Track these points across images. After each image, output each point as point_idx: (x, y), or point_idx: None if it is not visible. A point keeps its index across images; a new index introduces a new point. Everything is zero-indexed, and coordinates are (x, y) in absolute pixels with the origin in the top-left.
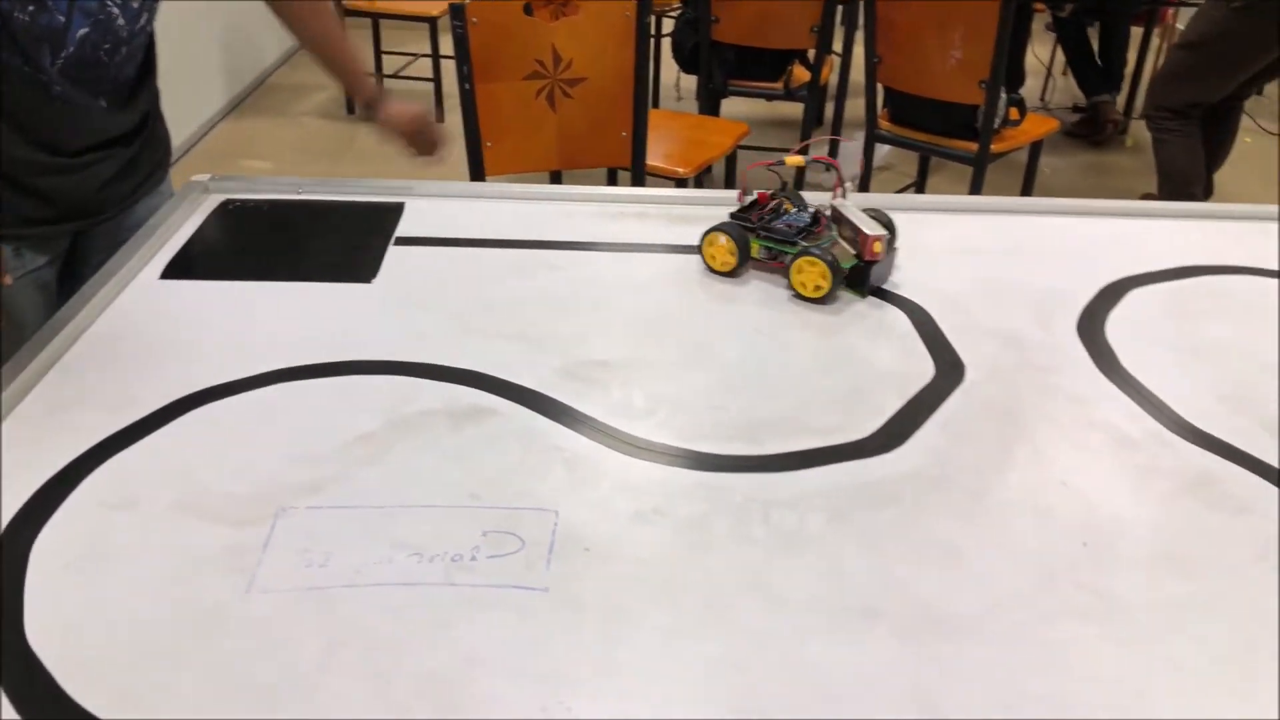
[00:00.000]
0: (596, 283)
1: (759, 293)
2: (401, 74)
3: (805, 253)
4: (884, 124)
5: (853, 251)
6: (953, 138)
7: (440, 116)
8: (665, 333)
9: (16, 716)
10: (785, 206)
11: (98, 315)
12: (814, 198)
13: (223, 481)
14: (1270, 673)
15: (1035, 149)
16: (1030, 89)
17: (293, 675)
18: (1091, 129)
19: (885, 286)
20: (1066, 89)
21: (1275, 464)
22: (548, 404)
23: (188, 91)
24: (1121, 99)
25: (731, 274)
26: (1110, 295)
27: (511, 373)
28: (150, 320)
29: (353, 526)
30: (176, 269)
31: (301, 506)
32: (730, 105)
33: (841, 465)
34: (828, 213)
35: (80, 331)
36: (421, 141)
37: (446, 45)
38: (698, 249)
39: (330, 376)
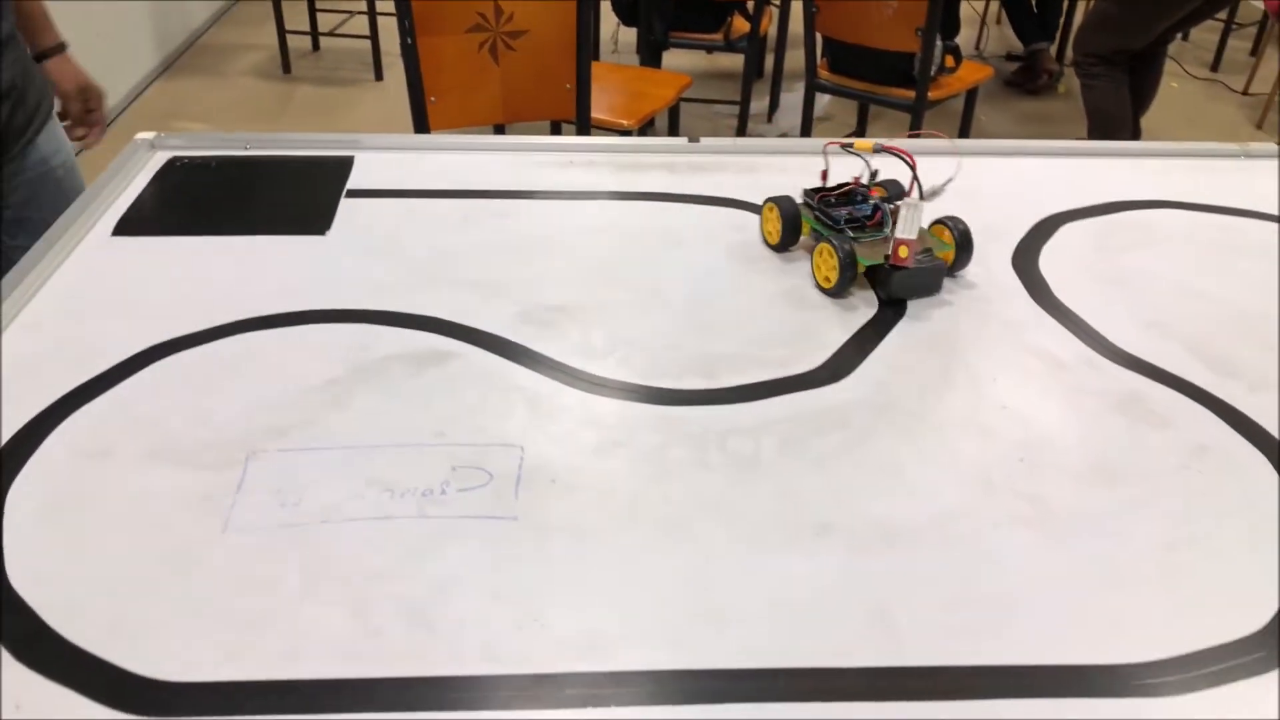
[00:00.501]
0: (548, 230)
1: (705, 237)
2: (337, 31)
3: (826, 240)
4: (823, 74)
5: (886, 251)
6: (890, 86)
7: (380, 75)
8: (619, 277)
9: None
10: (867, 194)
11: (52, 272)
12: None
13: (191, 429)
14: (1190, 564)
15: (971, 96)
16: (966, 38)
17: (273, 605)
18: (1029, 78)
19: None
20: (1001, 38)
21: (1196, 382)
22: (507, 346)
23: (118, 53)
24: (1055, 48)
25: (778, 248)
26: (1043, 230)
27: (469, 318)
28: (105, 276)
29: (323, 467)
30: (128, 226)
31: (271, 450)
32: (670, 58)
33: (792, 396)
34: (892, 208)
35: (36, 288)
36: (81, 114)
37: (383, 3)
38: (655, 196)
39: (290, 326)
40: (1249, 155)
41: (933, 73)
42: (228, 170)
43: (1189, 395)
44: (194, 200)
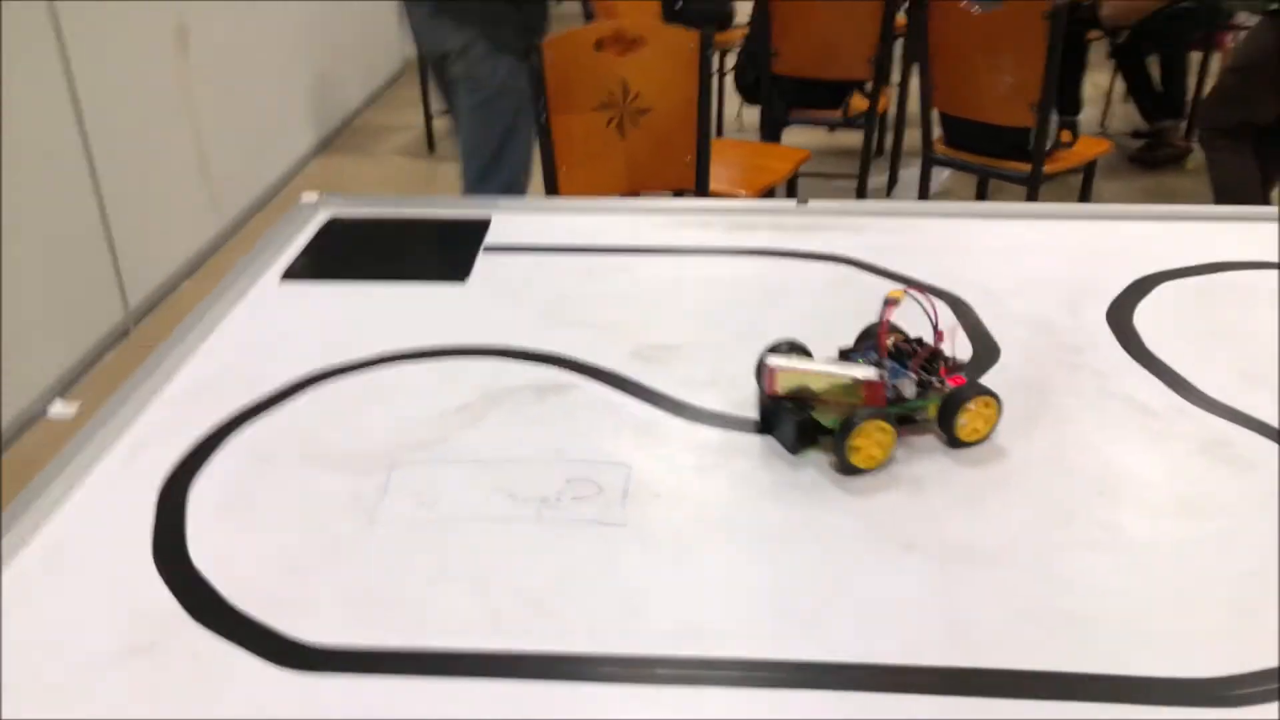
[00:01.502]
0: (661, 281)
1: (809, 283)
2: None
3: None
4: (940, 148)
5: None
6: (1007, 159)
7: None
8: (724, 321)
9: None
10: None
11: (229, 310)
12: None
13: (344, 442)
14: (1262, 592)
15: (1089, 170)
16: (1090, 116)
17: (408, 589)
18: (1153, 154)
19: (924, 278)
20: (1128, 116)
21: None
22: (620, 380)
23: (281, 131)
24: (1185, 125)
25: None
26: (1141, 288)
27: (588, 355)
28: (273, 315)
29: (457, 476)
30: (293, 273)
31: (412, 461)
32: (791, 136)
33: None
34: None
35: (215, 323)
36: None
37: None
38: (764, 253)
39: (430, 359)
40: None
41: (1048, 147)
42: (381, 228)
43: (1275, 440)
44: (350, 252)
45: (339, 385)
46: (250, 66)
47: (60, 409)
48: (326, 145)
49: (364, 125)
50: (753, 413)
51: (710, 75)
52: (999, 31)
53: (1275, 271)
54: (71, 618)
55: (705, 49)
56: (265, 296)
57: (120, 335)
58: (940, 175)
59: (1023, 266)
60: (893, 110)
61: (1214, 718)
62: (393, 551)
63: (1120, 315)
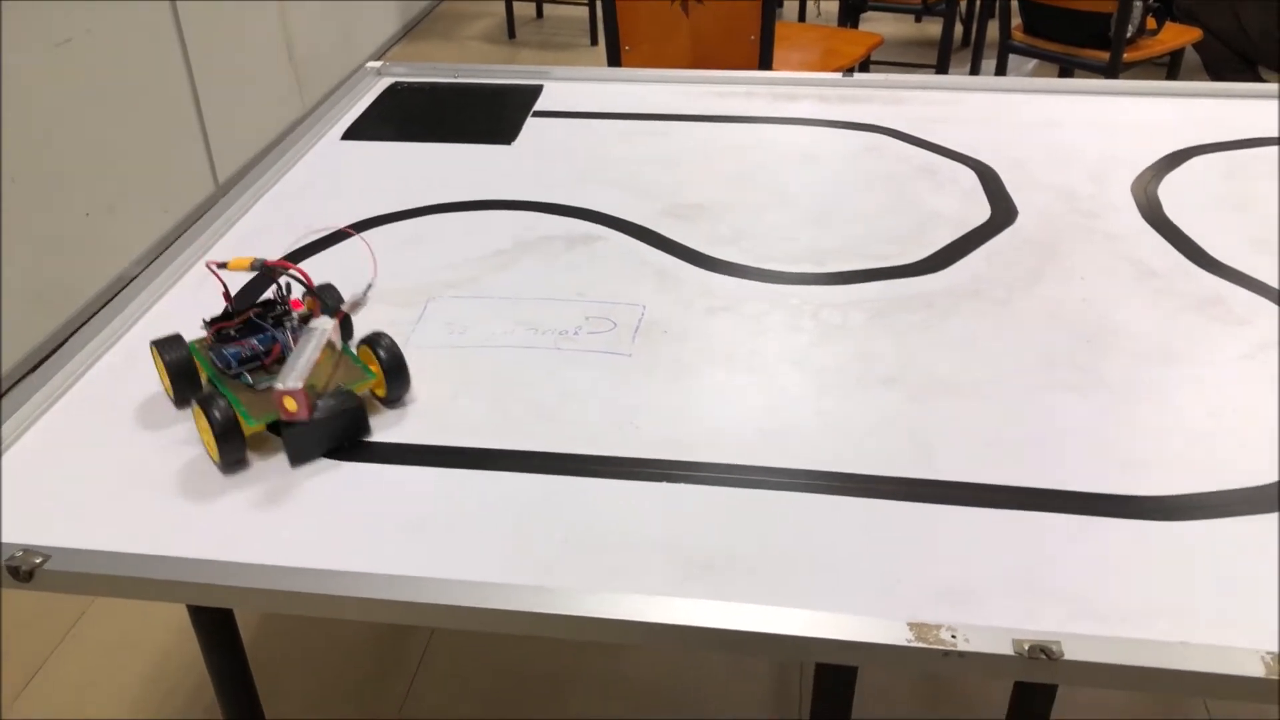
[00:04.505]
0: (699, 147)
1: (842, 150)
2: (562, 0)
3: (203, 403)
4: (1019, 36)
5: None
6: (1087, 48)
7: (594, 40)
8: (754, 184)
9: None
10: (285, 317)
11: (294, 164)
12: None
13: (387, 279)
14: (1227, 431)
15: (1176, 58)
16: None
17: (435, 398)
18: None
19: (958, 148)
20: None
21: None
22: (647, 234)
23: (368, 17)
24: None
25: (178, 405)
26: (1171, 161)
27: (620, 211)
28: (334, 170)
29: (486, 311)
30: (355, 132)
31: (447, 296)
32: (873, 24)
33: (888, 282)
34: (298, 327)
35: (279, 176)
36: None
37: None
38: (802, 121)
39: (471, 210)
40: None
41: (1130, 34)
42: (438, 93)
43: (1273, 300)
44: (409, 115)
45: (385, 231)
46: None
47: None
48: (410, 30)
49: (447, 11)
50: (767, 264)
51: None
52: None
53: None
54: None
55: None
56: (326, 153)
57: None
58: (1023, 66)
59: (1056, 140)
60: None
61: (1157, 529)
62: (423, 368)
63: (1147, 186)
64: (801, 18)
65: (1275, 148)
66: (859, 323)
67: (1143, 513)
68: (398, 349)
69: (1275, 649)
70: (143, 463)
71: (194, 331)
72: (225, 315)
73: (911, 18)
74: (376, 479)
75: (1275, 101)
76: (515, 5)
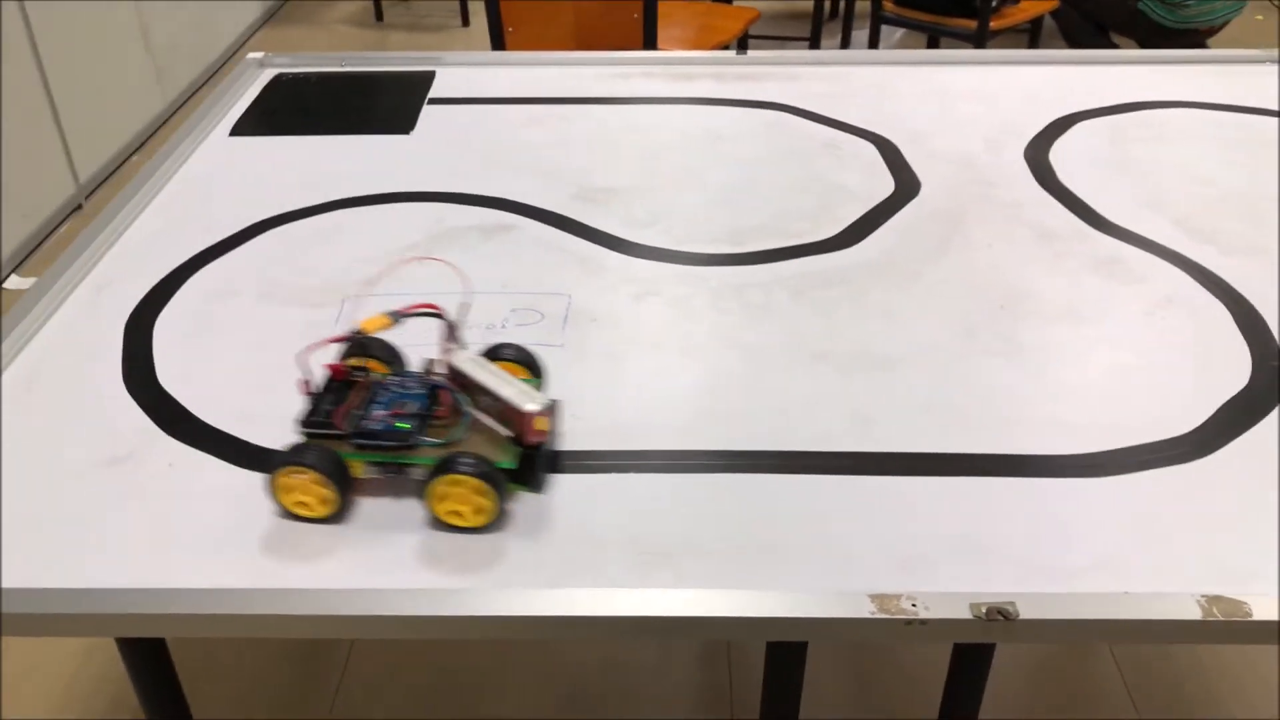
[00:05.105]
0: (605, 129)
1: (745, 129)
2: None
3: (446, 468)
4: (889, 7)
5: (505, 432)
6: (954, 16)
7: (466, 20)
8: (664, 166)
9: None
10: (376, 377)
11: (181, 165)
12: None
13: (297, 279)
14: (1138, 384)
15: (1036, 25)
16: None
17: None
18: None
19: (856, 123)
20: None
21: (1175, 248)
22: (563, 220)
23: (227, 2)
24: None
25: (335, 518)
26: (1059, 127)
27: (531, 198)
28: (225, 167)
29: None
30: (242, 128)
31: (364, 295)
32: None
33: (806, 259)
34: (443, 375)
35: (167, 178)
36: None
37: None
38: (703, 101)
39: (378, 204)
40: (1269, 61)
41: (995, 2)
42: (326, 83)
43: (1164, 258)
44: (298, 108)
45: (290, 230)
46: None
47: (16, 282)
48: (273, 15)
49: None
50: (686, 246)
51: None
52: None
53: (1188, 110)
54: (54, 433)
55: None
56: (215, 150)
57: (73, 209)
58: (892, 35)
59: (950, 110)
60: None
61: (1090, 485)
62: None
63: (1037, 152)
64: None
65: (1150, 111)
66: (783, 301)
67: (1073, 470)
68: (528, 351)
69: (1207, 591)
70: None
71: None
72: (328, 392)
73: None
74: None
75: (1143, 67)
76: None
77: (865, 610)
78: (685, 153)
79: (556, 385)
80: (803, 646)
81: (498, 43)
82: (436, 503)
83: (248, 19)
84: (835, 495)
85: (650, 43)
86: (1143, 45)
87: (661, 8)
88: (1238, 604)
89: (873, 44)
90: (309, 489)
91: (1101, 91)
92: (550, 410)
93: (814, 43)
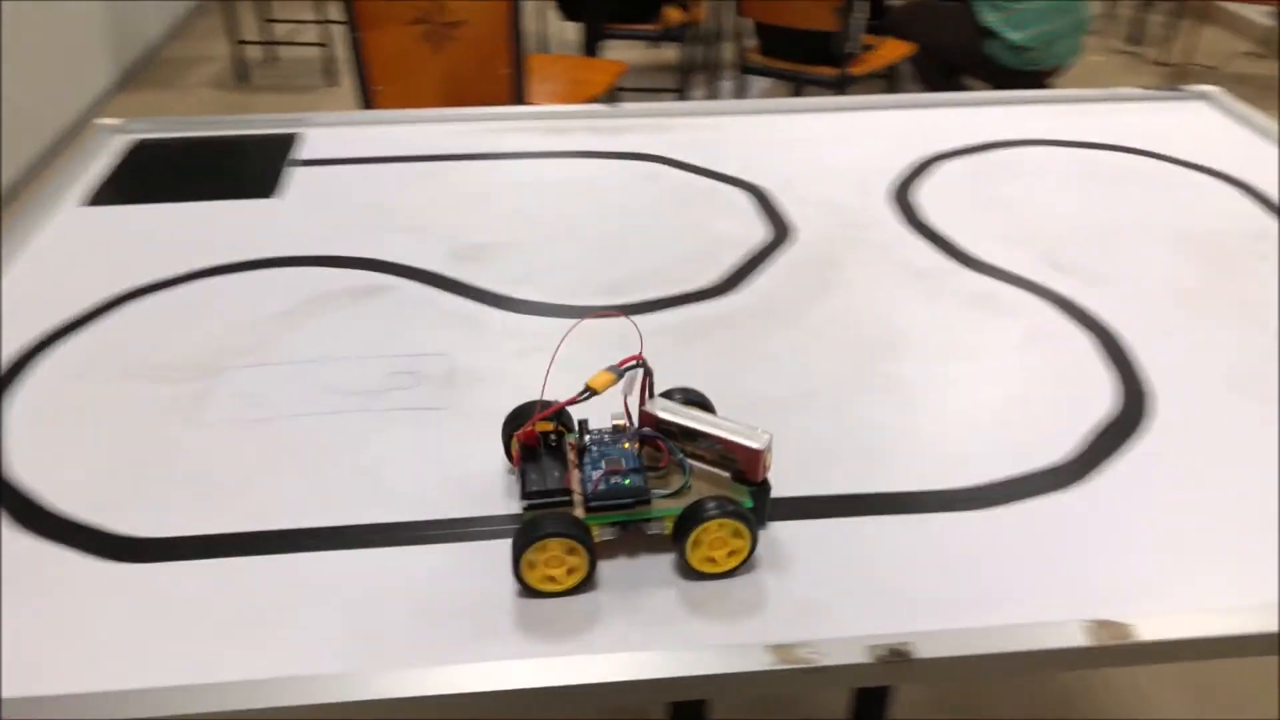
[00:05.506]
0: (477, 186)
1: (620, 180)
2: (290, 40)
3: (697, 516)
4: (754, 58)
5: (724, 473)
6: (816, 65)
7: (334, 80)
8: (539, 220)
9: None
10: (571, 438)
11: (28, 239)
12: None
13: (162, 353)
14: (1016, 414)
15: (894, 70)
16: None
17: (241, 477)
18: None
19: (729, 171)
20: None
21: (1040, 281)
22: (438, 279)
23: (76, 66)
24: None
25: (580, 588)
26: (922, 170)
27: (404, 258)
28: (79, 239)
29: (281, 378)
30: (99, 197)
31: (235, 366)
32: (612, 52)
33: (688, 307)
34: (640, 427)
35: (15, 252)
36: None
37: (333, 10)
38: (577, 154)
39: (245, 271)
40: (1115, 99)
41: (855, 50)
42: (190, 148)
43: (1031, 291)
44: (159, 174)
45: (152, 302)
46: None
47: None
48: (128, 80)
49: (167, 58)
50: (567, 300)
51: None
52: None
53: (1041, 147)
54: None
55: None
56: (67, 222)
57: None
58: (757, 85)
59: (817, 156)
60: (710, 22)
61: (976, 518)
62: (221, 448)
63: (902, 194)
64: (547, 49)
65: (1006, 150)
66: (669, 348)
67: (959, 504)
68: (698, 392)
69: (1092, 616)
70: None
71: None
72: (530, 465)
73: (644, 42)
74: (184, 580)
75: (996, 108)
76: (242, 48)
77: (764, 662)
78: (561, 206)
79: (446, 448)
80: (702, 703)
81: (367, 102)
82: (693, 551)
83: (100, 84)
84: None
85: (521, 98)
86: (992, 86)
87: (529, 63)
88: (1124, 627)
89: (739, 93)
90: (559, 561)
91: (959, 131)
92: (770, 445)
93: (682, 93)
